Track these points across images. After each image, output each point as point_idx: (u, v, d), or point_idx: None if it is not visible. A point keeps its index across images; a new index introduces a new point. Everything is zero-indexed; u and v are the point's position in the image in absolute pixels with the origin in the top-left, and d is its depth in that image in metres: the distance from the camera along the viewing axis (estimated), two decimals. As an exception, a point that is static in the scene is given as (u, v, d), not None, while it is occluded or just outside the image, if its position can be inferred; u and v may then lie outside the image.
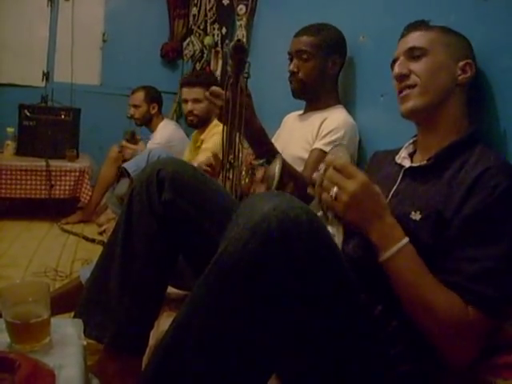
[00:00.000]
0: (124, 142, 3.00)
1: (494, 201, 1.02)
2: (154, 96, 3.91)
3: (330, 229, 1.09)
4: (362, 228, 1.08)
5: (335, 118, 1.93)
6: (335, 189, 1.06)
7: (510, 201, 1.02)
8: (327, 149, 1.81)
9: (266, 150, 1.54)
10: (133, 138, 3.00)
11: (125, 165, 2.43)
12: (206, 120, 3.11)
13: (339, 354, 0.99)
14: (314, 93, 2.03)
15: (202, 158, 2.87)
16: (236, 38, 1.34)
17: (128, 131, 3.62)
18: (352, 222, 1.08)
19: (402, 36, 1.28)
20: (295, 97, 2.07)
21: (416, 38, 1.23)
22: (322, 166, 1.12)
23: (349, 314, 0.97)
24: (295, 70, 1.99)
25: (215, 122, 3.13)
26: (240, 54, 1.34)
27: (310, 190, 1.18)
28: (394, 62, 1.27)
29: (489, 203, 1.02)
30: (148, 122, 3.88)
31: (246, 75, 1.38)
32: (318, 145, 1.88)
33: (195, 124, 3.14)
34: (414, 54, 1.22)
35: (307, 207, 0.91)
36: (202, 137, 3.08)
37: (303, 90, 2.02)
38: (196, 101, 3.08)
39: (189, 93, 3.11)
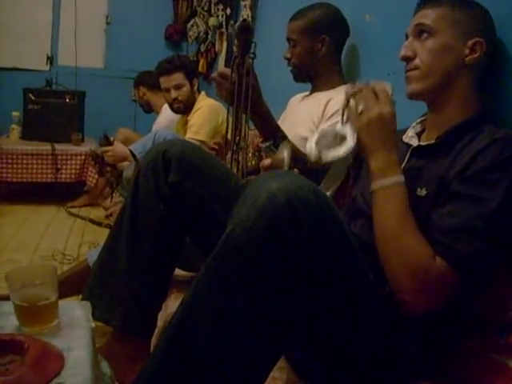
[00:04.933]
0: (103, 148, 2.95)
1: (493, 165, 1.00)
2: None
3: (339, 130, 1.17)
4: (367, 150, 1.10)
5: (340, 99, 1.90)
6: (363, 105, 1.10)
7: (509, 168, 1.00)
8: None
9: (272, 133, 1.53)
10: (107, 141, 2.95)
11: (131, 147, 2.40)
12: (192, 102, 3.09)
13: (346, 334, 0.99)
14: (311, 75, 2.03)
15: (189, 135, 2.87)
16: (242, 18, 1.33)
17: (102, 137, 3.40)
18: (362, 141, 1.11)
19: (415, 12, 1.25)
20: (296, 81, 2.09)
21: (424, 15, 1.19)
22: (360, 84, 1.15)
23: (357, 293, 0.97)
24: (288, 56, 2.02)
25: (198, 100, 3.12)
26: (246, 34, 1.32)
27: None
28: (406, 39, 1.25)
29: (487, 166, 1.01)
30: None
31: (252, 55, 1.36)
32: (324, 126, 1.87)
33: (182, 110, 3.11)
34: (420, 32, 1.19)
35: (316, 187, 0.90)
36: (189, 118, 3.07)
37: (300, 74, 2.04)
38: (178, 86, 3.04)
39: (168, 81, 3.05)
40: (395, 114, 1.09)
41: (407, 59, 1.20)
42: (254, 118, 1.54)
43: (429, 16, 1.18)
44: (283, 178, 0.88)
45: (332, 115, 1.87)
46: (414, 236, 1.02)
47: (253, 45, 1.36)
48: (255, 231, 0.84)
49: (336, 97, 1.92)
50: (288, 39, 2.01)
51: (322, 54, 1.97)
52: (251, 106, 1.42)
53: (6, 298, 1.05)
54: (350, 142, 1.15)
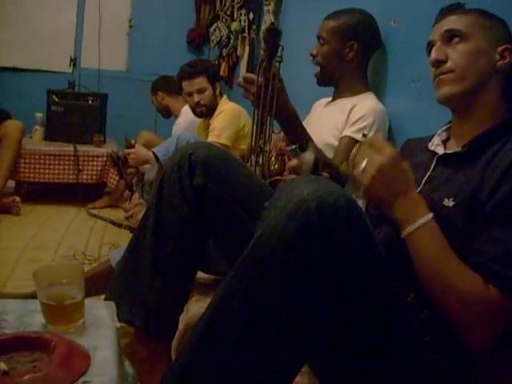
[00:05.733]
0: (126, 151, 2.99)
1: None
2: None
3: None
4: (386, 202, 1.08)
5: (364, 105, 1.91)
6: (364, 162, 1.06)
7: None
8: (357, 136, 1.80)
9: (299, 136, 1.53)
10: (129, 144, 2.99)
11: (154, 149, 2.41)
12: (215, 106, 3.11)
13: (370, 341, 0.98)
14: (335, 79, 2.03)
15: (211, 139, 2.89)
16: (270, 22, 1.34)
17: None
18: (377, 195, 1.08)
19: (437, 20, 1.25)
20: (318, 83, 2.08)
21: (452, 21, 1.19)
22: (356, 145, 1.12)
23: (382, 300, 0.96)
24: (314, 53, 2.01)
25: (220, 103, 3.13)
26: (274, 37, 1.33)
27: (343, 167, 1.17)
28: (430, 46, 1.24)
29: None
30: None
31: (279, 59, 1.37)
32: (348, 132, 1.87)
33: (205, 114, 3.13)
34: (450, 37, 1.18)
35: (345, 193, 0.90)
36: (210, 121, 3.09)
37: (324, 75, 2.03)
38: (200, 91, 3.06)
39: (191, 85, 3.07)
40: (395, 154, 1.06)
41: (439, 63, 1.19)
42: (280, 120, 1.55)
43: (459, 22, 1.18)
44: (314, 184, 0.88)
45: (356, 121, 1.86)
46: (460, 270, 1.01)
47: (280, 48, 1.36)
48: (285, 236, 0.84)
49: (360, 103, 1.92)
50: (318, 36, 2.00)
51: (349, 60, 1.97)
52: (278, 108, 1.43)
53: (32, 296, 1.06)
54: None
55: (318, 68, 2.03)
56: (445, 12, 1.24)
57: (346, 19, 1.97)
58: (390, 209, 1.08)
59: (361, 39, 1.97)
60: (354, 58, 1.98)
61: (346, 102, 1.97)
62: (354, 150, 1.12)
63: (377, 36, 2.02)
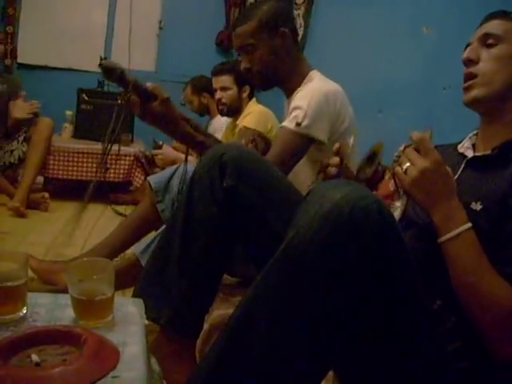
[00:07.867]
0: (153, 151, 3.03)
1: None
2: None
3: (397, 203, 1.15)
4: (426, 206, 1.07)
5: (303, 92, 1.78)
6: (408, 163, 1.07)
7: None
8: (290, 125, 1.70)
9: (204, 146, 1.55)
10: (156, 145, 3.02)
11: (149, 177, 2.32)
12: (237, 107, 3.13)
13: (398, 347, 0.98)
14: (280, 77, 1.86)
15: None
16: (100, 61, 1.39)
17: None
18: (417, 199, 1.08)
19: (481, 24, 1.25)
20: (263, 89, 1.93)
21: (493, 26, 1.19)
22: (402, 145, 1.12)
23: (410, 306, 0.96)
24: (247, 66, 1.84)
25: (248, 105, 3.14)
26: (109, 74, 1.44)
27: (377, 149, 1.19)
28: (466, 47, 1.24)
29: None
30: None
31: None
32: (285, 122, 1.76)
33: (225, 112, 3.17)
34: (487, 41, 1.18)
35: (377, 197, 0.90)
36: (238, 122, 3.09)
37: (267, 80, 1.88)
38: (223, 89, 3.11)
39: (216, 81, 3.15)
40: (439, 159, 1.05)
41: (470, 62, 1.19)
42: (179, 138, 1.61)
43: (499, 26, 1.18)
44: (346, 187, 0.88)
45: (291, 111, 1.75)
46: (494, 281, 1.00)
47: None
48: (317, 238, 0.85)
49: (302, 90, 1.80)
50: (240, 48, 1.84)
51: (286, 50, 1.82)
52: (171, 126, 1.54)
53: (62, 291, 1.08)
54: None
55: (255, 79, 1.88)
56: (489, 17, 1.24)
57: (261, 12, 1.79)
58: (428, 212, 1.08)
59: (286, 22, 1.83)
60: (288, 44, 1.82)
61: (295, 96, 1.82)
62: (401, 148, 1.12)
63: (292, 10, 1.92)
